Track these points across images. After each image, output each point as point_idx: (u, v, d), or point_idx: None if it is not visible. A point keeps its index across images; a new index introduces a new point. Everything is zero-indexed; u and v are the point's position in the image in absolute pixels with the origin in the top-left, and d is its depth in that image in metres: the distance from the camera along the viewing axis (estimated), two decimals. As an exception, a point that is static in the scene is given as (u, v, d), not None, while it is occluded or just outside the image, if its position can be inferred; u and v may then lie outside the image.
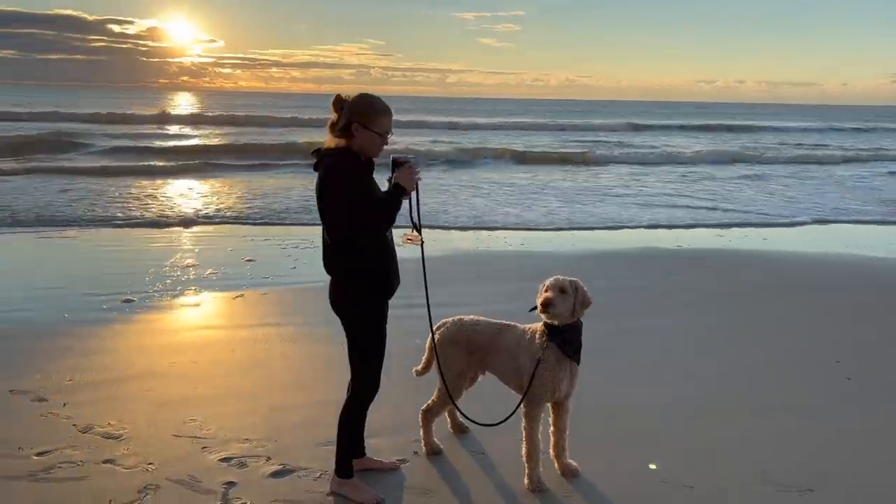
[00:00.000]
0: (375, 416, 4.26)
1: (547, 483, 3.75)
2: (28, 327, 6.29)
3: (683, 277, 8.67)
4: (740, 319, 6.96)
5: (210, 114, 48.40)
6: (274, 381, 5.20)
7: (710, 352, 6.03)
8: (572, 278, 3.66)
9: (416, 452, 4.12)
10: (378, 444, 4.15)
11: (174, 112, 49.07)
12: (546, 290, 3.59)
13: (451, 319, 4.09)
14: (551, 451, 3.92)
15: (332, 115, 3.35)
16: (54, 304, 6.98)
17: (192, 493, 3.63)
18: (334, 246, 3.32)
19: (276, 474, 3.84)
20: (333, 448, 3.77)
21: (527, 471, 3.77)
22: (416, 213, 3.51)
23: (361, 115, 3.28)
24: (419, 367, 4.22)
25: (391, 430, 4.35)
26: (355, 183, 3.22)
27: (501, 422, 3.86)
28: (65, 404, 4.66)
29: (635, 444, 4.29)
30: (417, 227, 3.57)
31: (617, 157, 26.58)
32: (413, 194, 3.44)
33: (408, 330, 5.16)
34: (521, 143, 31.25)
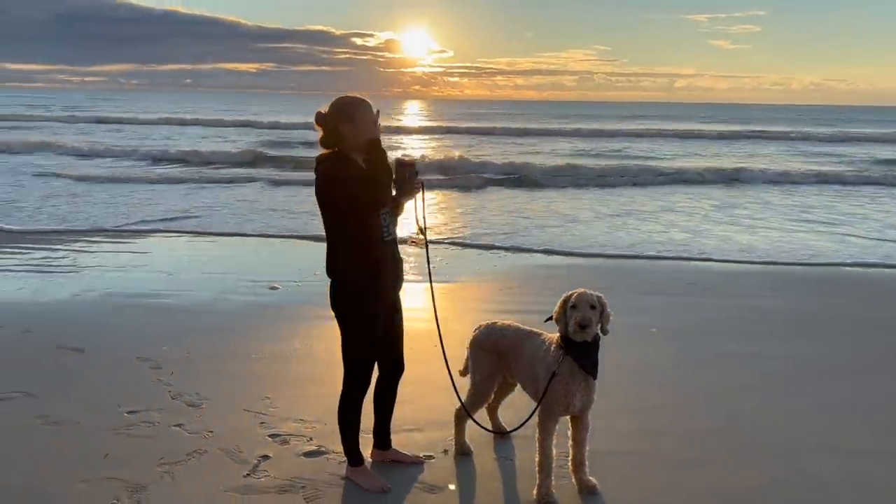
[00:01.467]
0: (419, 411, 4.43)
1: (562, 498, 3.66)
2: (188, 304, 7.24)
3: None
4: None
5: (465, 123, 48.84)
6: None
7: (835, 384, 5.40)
8: (598, 293, 3.58)
9: (445, 451, 4.20)
10: (413, 437, 4.30)
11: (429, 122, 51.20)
12: (575, 307, 3.51)
13: (485, 323, 4.14)
14: (569, 465, 3.82)
15: (319, 132, 3.52)
16: (221, 288, 7.93)
17: (230, 461, 4.01)
18: (328, 248, 3.53)
19: (308, 454, 4.12)
20: (372, 437, 4.02)
21: (537, 481, 3.71)
22: (420, 216, 3.61)
23: (343, 114, 3.46)
24: (461, 369, 4.31)
25: (433, 425, 4.46)
26: (351, 183, 3.39)
27: (513, 430, 3.94)
28: (171, 373, 5.33)
29: (674, 469, 4.03)
30: (422, 230, 3.66)
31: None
32: (417, 197, 3.54)
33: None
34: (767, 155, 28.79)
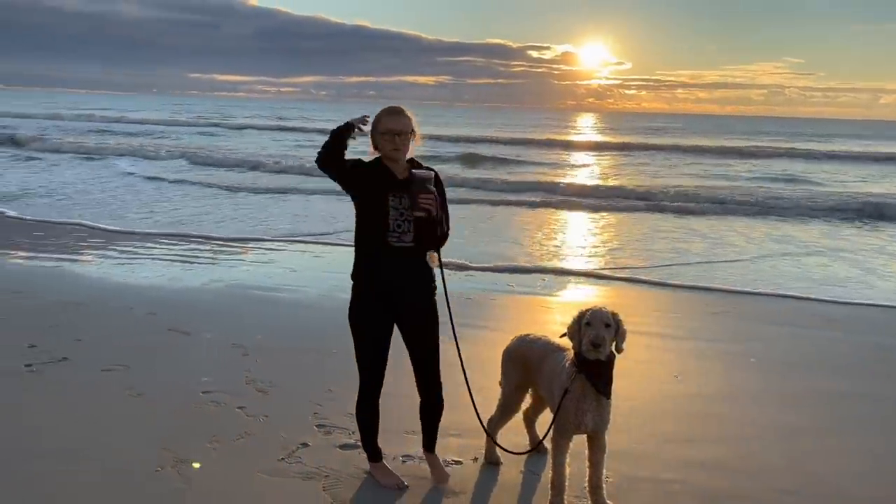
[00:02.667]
0: (464, 416, 4.43)
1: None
2: (297, 299, 7.74)
3: None
4: None
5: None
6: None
7: None
8: (612, 310, 3.49)
9: (475, 459, 4.22)
10: (450, 442, 4.33)
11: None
12: (590, 324, 3.43)
13: (520, 334, 4.13)
14: (586, 485, 3.71)
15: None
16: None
17: (272, 445, 4.27)
18: None
19: (344, 446, 4.30)
20: (414, 437, 4.14)
21: (549, 498, 3.65)
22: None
23: (373, 126, 3.58)
24: (500, 379, 4.31)
25: (472, 432, 4.46)
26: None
27: (524, 452, 4.05)
28: (256, 360, 5.74)
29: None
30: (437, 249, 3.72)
31: None
32: (422, 215, 3.55)
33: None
34: None
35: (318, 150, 3.62)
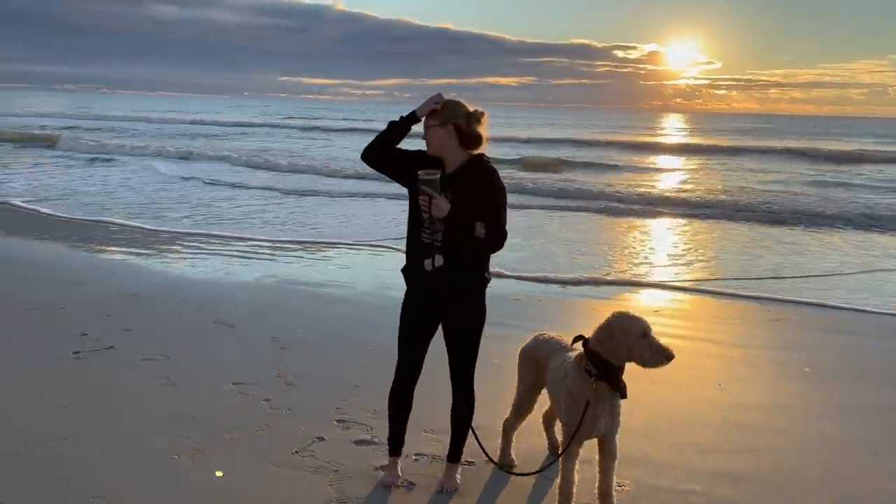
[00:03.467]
0: (488, 417, 4.31)
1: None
2: (347, 295, 7.82)
3: None
4: None
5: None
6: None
7: None
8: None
9: (488, 460, 4.12)
10: (469, 441, 4.24)
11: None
12: (644, 335, 3.30)
13: (536, 333, 4.04)
14: (595, 491, 3.58)
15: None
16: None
17: (288, 438, 4.30)
18: None
19: (359, 442, 4.30)
20: (432, 437, 4.13)
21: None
22: (427, 235, 3.54)
23: None
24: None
25: (495, 433, 4.37)
26: None
27: (532, 473, 3.86)
28: (293, 354, 5.81)
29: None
30: (430, 250, 3.53)
31: None
32: (426, 216, 3.47)
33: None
34: None
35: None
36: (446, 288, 3.57)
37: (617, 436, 3.53)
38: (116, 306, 6.98)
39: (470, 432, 3.78)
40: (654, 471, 4.08)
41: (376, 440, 4.32)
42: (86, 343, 5.84)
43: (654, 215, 15.48)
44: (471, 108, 3.55)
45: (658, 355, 3.26)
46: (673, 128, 79.49)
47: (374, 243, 11.13)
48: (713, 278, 9.46)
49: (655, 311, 7.57)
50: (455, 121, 3.50)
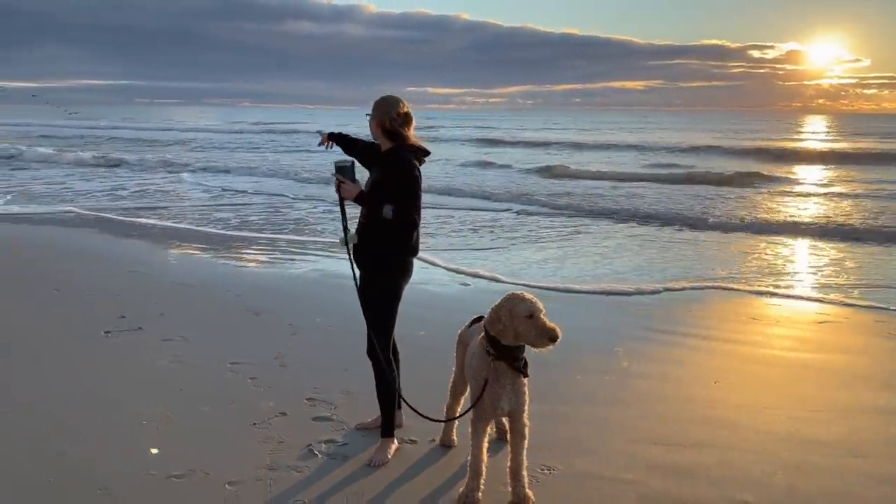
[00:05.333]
0: (434, 398, 4.44)
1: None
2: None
3: None
4: None
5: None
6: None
7: None
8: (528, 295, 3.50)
9: (433, 440, 4.24)
10: (418, 422, 4.36)
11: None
12: (531, 316, 3.38)
13: (473, 317, 4.11)
14: (507, 469, 3.61)
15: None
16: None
17: (254, 412, 4.60)
18: None
19: (317, 418, 4.54)
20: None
21: (466, 481, 3.60)
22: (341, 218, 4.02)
23: None
24: None
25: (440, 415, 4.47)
26: None
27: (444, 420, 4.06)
28: (300, 339, 6.13)
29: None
30: (344, 231, 4.00)
31: None
32: (345, 199, 3.95)
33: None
34: None
35: None
36: (362, 264, 3.99)
37: (525, 415, 3.55)
38: (165, 294, 7.58)
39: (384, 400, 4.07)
40: (594, 459, 4.05)
41: (335, 418, 4.53)
42: (120, 324, 6.41)
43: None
44: (402, 109, 3.97)
45: (542, 337, 3.28)
46: (822, 129, 73.87)
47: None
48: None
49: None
50: (379, 117, 3.97)
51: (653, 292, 8.17)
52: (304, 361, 5.57)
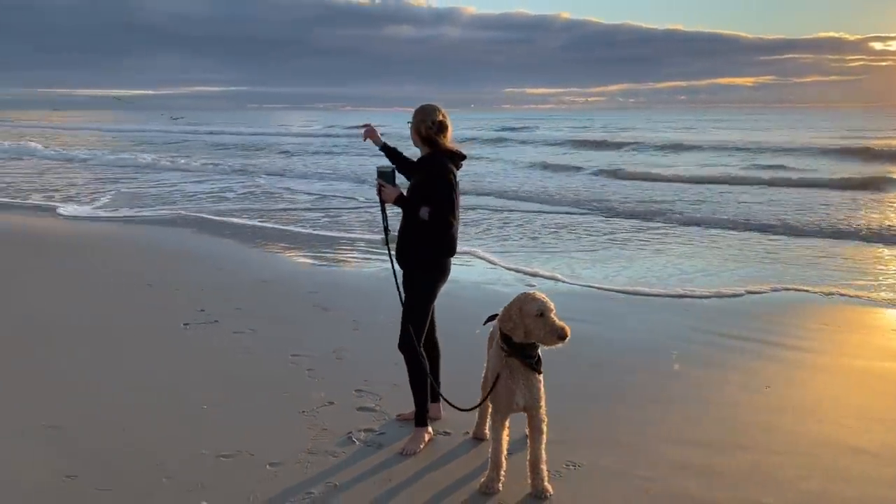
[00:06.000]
0: (471, 392, 4.61)
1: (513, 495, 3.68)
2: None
3: None
4: None
5: None
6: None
7: None
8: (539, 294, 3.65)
9: (466, 433, 4.42)
10: (456, 415, 4.54)
11: None
12: (542, 315, 3.52)
13: None
14: (527, 462, 3.74)
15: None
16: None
17: (304, 401, 4.91)
18: None
19: (361, 409, 4.80)
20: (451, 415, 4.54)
21: (486, 472, 3.76)
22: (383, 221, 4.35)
23: None
24: None
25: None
26: None
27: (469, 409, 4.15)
28: (360, 335, 6.43)
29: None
30: (384, 231, 4.38)
31: None
32: (385, 202, 4.24)
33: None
34: None
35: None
36: (402, 262, 4.29)
37: (542, 411, 3.66)
38: (243, 290, 8.08)
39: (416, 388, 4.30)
40: (620, 457, 4.11)
41: (378, 409, 4.78)
42: (198, 317, 6.91)
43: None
44: (437, 118, 4.21)
45: (551, 335, 3.40)
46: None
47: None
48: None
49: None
50: (417, 125, 4.25)
51: (727, 296, 8.01)
52: (359, 355, 5.85)
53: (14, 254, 10.15)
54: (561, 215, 14.66)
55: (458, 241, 4.25)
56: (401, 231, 4.30)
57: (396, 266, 4.37)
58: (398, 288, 4.35)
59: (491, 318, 3.88)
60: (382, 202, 4.29)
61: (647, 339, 6.39)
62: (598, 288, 8.30)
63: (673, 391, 5.17)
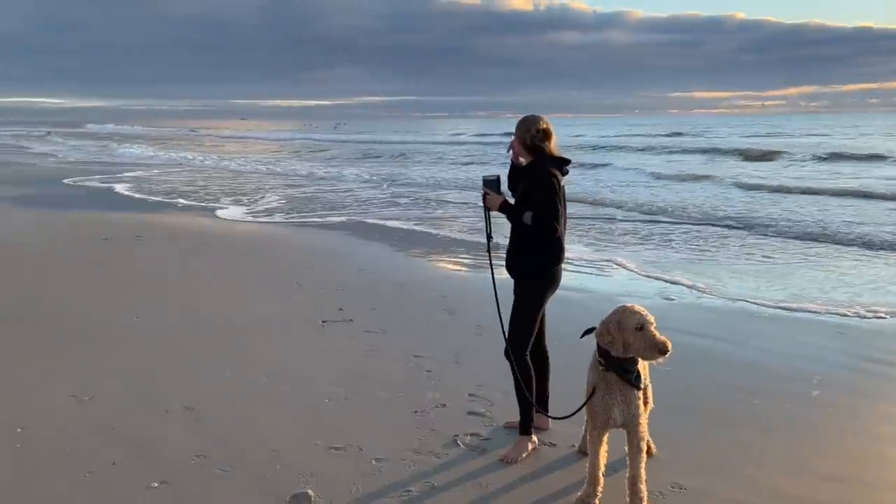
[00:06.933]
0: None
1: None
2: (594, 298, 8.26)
3: None
4: None
5: None
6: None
7: None
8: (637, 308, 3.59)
9: (573, 445, 4.37)
10: (567, 427, 4.48)
11: None
12: (642, 328, 3.46)
13: None
14: (626, 481, 3.65)
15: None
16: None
17: (419, 401, 5.06)
18: None
19: (471, 413, 4.89)
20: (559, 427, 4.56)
21: (583, 487, 3.71)
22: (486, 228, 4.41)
23: None
24: None
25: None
26: None
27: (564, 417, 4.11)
28: (483, 339, 6.51)
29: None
30: (487, 238, 4.42)
31: None
32: (484, 208, 4.31)
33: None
34: None
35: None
36: (510, 270, 4.35)
37: (641, 429, 3.55)
38: (381, 292, 8.42)
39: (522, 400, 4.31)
40: (726, 482, 3.93)
41: (487, 414, 4.84)
42: (336, 315, 7.29)
43: None
44: (541, 126, 4.26)
45: (651, 349, 3.30)
46: None
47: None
48: None
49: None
50: (521, 135, 4.30)
51: (885, 317, 7.30)
52: (477, 360, 5.92)
53: (190, 249, 11.18)
54: (718, 228, 13.94)
55: (564, 249, 4.22)
56: (510, 240, 4.33)
57: (498, 273, 4.40)
58: (496, 295, 4.38)
59: (588, 332, 3.80)
60: (487, 209, 4.36)
61: (787, 361, 5.98)
62: (747, 301, 7.85)
63: (805, 419, 4.81)
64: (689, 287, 8.67)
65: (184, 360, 5.90)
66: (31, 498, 3.79)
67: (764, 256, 10.93)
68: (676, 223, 14.40)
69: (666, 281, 9.00)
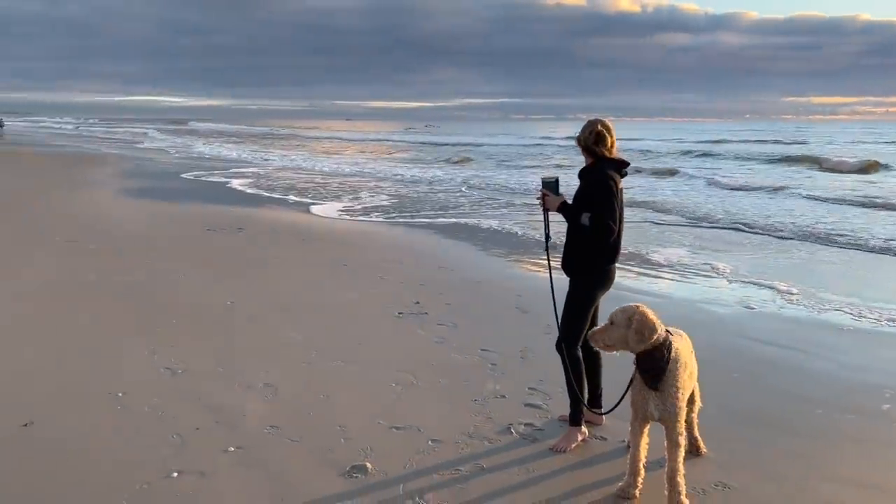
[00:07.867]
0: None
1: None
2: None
3: None
4: None
5: None
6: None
7: None
8: (630, 306, 3.77)
9: (622, 440, 4.51)
10: (620, 423, 4.62)
11: None
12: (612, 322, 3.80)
13: None
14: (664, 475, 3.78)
15: None
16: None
17: (479, 389, 5.32)
18: None
19: (528, 405, 5.10)
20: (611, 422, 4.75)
21: (624, 478, 3.87)
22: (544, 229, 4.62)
23: None
24: None
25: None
26: None
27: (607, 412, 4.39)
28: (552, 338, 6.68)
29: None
30: (545, 238, 4.65)
31: None
32: (542, 208, 4.51)
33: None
34: None
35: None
36: (566, 269, 4.54)
37: (679, 424, 3.67)
38: (458, 288, 8.71)
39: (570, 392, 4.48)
40: (776, 488, 3.97)
41: (543, 406, 5.04)
42: (412, 308, 7.64)
43: None
44: (596, 129, 4.42)
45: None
46: None
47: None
48: None
49: None
50: (580, 137, 4.52)
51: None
52: (542, 357, 6.09)
53: (288, 242, 11.83)
54: (816, 245, 13.46)
55: (620, 249, 4.37)
56: (566, 240, 4.52)
57: (555, 273, 4.59)
58: (552, 293, 4.55)
59: None
60: (546, 210, 4.56)
61: (860, 374, 5.85)
62: (833, 310, 7.67)
63: (870, 433, 4.75)
64: (780, 293, 8.55)
65: (270, 342, 6.38)
66: (127, 451, 4.29)
67: (860, 272, 10.53)
68: (765, 234, 13.98)
69: (757, 285, 8.87)
